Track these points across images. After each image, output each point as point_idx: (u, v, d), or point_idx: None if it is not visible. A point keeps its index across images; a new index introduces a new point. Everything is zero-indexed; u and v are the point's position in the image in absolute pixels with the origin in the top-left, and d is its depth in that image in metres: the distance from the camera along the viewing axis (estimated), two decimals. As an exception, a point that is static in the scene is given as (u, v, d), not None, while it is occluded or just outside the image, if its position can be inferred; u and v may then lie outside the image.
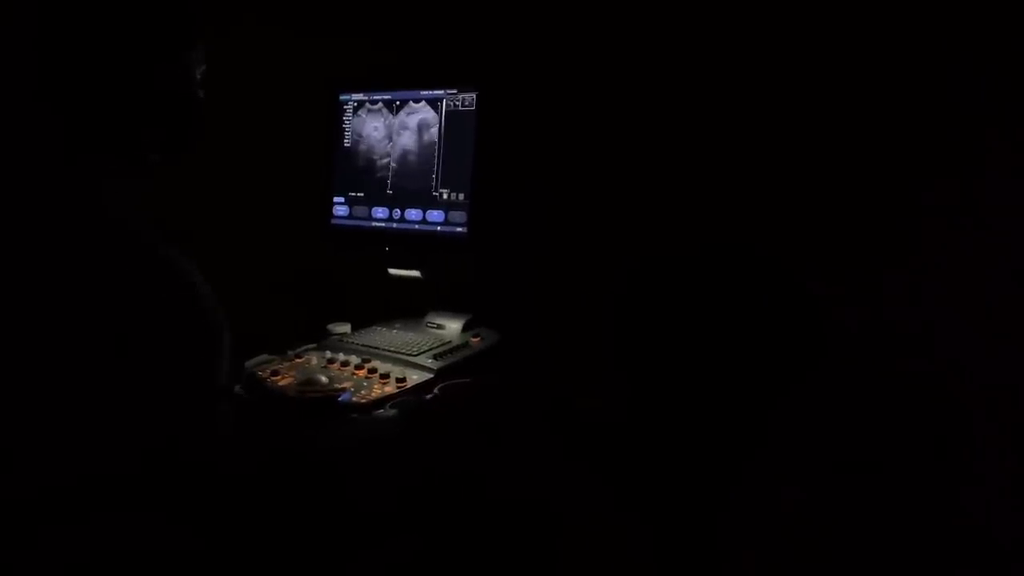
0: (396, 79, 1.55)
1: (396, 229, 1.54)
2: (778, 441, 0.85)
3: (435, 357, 1.35)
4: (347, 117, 1.61)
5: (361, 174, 1.59)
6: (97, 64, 0.97)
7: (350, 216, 1.60)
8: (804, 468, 0.82)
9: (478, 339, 1.46)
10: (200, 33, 1.05)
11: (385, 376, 1.28)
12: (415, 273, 1.54)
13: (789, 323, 0.93)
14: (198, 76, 1.07)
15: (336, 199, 1.62)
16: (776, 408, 0.86)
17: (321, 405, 1.16)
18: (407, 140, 1.53)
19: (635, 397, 0.98)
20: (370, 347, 1.41)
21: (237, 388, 1.19)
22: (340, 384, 1.26)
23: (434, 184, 1.48)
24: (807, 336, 0.92)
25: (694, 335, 0.91)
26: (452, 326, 1.51)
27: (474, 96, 1.44)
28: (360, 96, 1.60)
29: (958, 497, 0.93)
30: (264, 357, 1.38)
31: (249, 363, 1.34)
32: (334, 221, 1.62)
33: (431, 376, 1.29)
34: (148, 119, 1.03)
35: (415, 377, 1.28)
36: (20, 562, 0.77)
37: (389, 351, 1.38)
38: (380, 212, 1.56)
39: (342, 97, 1.62)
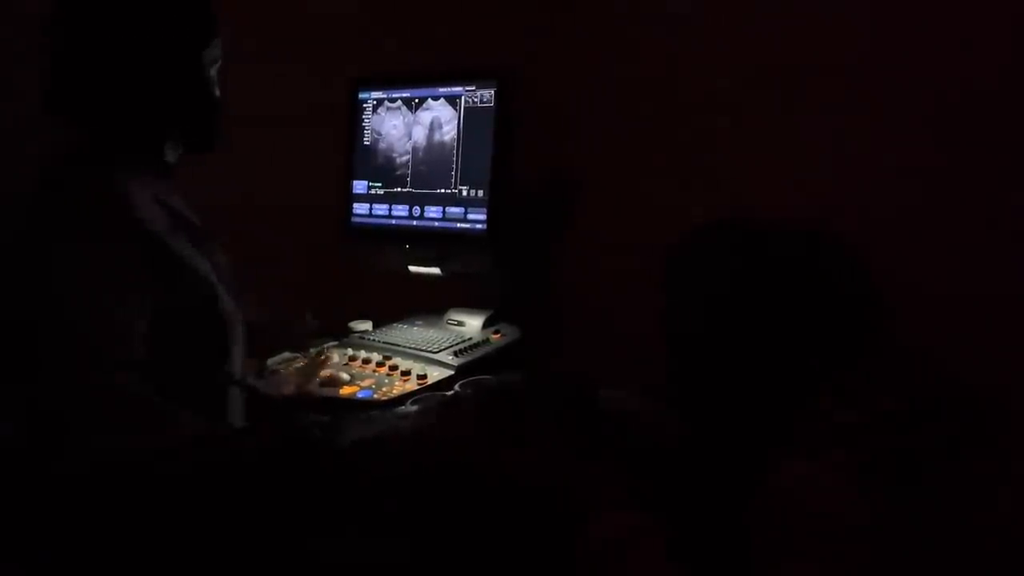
0: (414, 77, 1.56)
1: (416, 226, 1.54)
2: (817, 429, 0.83)
3: (456, 354, 1.35)
4: (366, 115, 1.61)
5: (381, 172, 1.59)
6: (111, 67, 0.98)
7: (370, 214, 1.61)
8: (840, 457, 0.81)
9: (499, 335, 1.46)
10: (215, 30, 1.06)
11: (406, 373, 1.29)
12: (435, 270, 1.54)
13: (852, 309, 0.90)
14: (213, 73, 1.07)
15: (356, 197, 1.62)
16: (821, 394, 0.84)
17: (335, 402, 1.17)
18: (426, 137, 1.53)
19: (679, 373, 0.96)
20: (391, 344, 1.42)
21: (252, 380, 1.21)
22: (362, 381, 1.26)
23: (453, 181, 1.48)
24: (866, 324, 0.90)
25: (749, 312, 0.89)
26: (473, 323, 1.51)
27: (492, 92, 1.44)
28: (379, 94, 1.60)
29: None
30: (286, 354, 1.39)
31: (271, 360, 1.35)
32: (354, 219, 1.63)
33: (452, 373, 1.29)
34: (166, 119, 1.04)
35: (436, 374, 1.28)
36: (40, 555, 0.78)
37: (410, 348, 1.39)
38: (400, 210, 1.56)
39: (361, 95, 1.62)
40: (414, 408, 1.10)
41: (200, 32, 1.04)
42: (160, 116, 1.04)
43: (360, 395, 1.22)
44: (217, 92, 1.08)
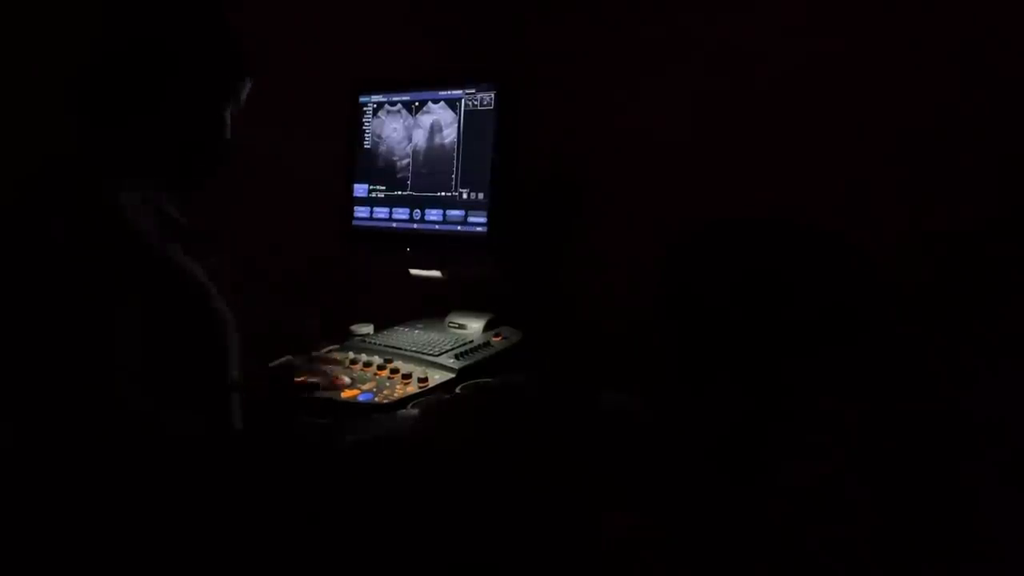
0: (414, 80, 1.56)
1: (417, 229, 1.54)
2: (810, 426, 0.83)
3: (457, 357, 1.35)
4: (367, 119, 1.62)
5: (381, 175, 1.59)
6: (136, 104, 1.00)
7: (371, 217, 1.61)
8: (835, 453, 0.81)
9: (500, 338, 1.46)
10: (244, 80, 1.07)
11: (407, 376, 1.29)
12: (436, 273, 1.54)
13: (853, 307, 0.91)
14: (229, 119, 1.09)
15: (357, 200, 1.63)
16: (823, 392, 0.84)
17: (336, 406, 1.17)
18: (426, 141, 1.53)
19: (679, 373, 0.97)
20: (392, 347, 1.42)
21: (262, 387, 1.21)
22: (363, 385, 1.26)
23: (454, 184, 1.49)
24: (867, 322, 0.90)
25: (745, 308, 0.90)
26: (474, 325, 1.51)
27: (492, 95, 1.44)
28: (379, 98, 1.60)
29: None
30: (288, 358, 1.39)
31: (273, 364, 1.35)
32: (355, 222, 1.63)
33: (453, 376, 1.29)
34: (173, 154, 1.05)
35: (437, 377, 1.28)
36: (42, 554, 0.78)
37: (411, 351, 1.39)
38: (401, 213, 1.56)
39: (362, 99, 1.63)
40: (415, 411, 1.10)
41: (227, 85, 1.06)
42: (168, 149, 1.05)
43: (361, 398, 1.22)
44: (228, 135, 1.09)
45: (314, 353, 1.41)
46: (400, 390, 1.24)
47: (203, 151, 1.07)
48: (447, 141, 1.50)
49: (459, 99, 1.48)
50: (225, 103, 1.07)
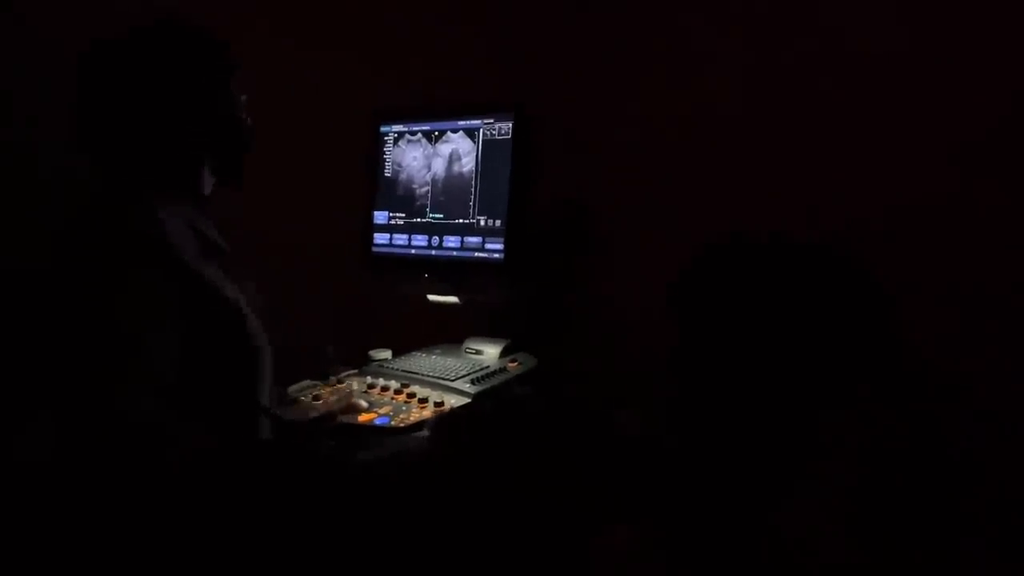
0: (434, 110, 1.59)
1: (435, 256, 1.56)
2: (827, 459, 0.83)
3: (473, 382, 1.36)
4: (387, 148, 1.65)
5: (401, 203, 1.62)
6: (136, 109, 1.04)
7: (391, 244, 1.63)
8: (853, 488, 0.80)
9: (516, 364, 1.47)
10: (233, 63, 1.12)
11: (423, 401, 1.30)
12: (454, 299, 1.56)
13: (858, 330, 0.91)
14: (241, 109, 1.13)
15: (377, 227, 1.65)
16: (833, 420, 0.84)
17: (353, 429, 1.19)
18: (445, 169, 1.56)
19: (689, 393, 0.97)
20: (409, 372, 1.43)
21: (277, 411, 1.23)
22: (380, 409, 1.28)
23: (472, 211, 1.51)
24: (876, 345, 0.90)
25: (756, 334, 0.90)
26: (490, 351, 1.52)
27: (510, 125, 1.47)
28: (400, 127, 1.64)
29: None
30: (307, 382, 1.41)
31: (292, 388, 1.37)
32: (375, 249, 1.65)
33: (468, 401, 1.30)
34: (197, 152, 1.09)
35: (453, 401, 1.29)
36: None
37: (428, 376, 1.40)
38: (420, 240, 1.59)
39: (383, 128, 1.66)
40: (426, 433, 1.12)
41: (216, 71, 1.10)
42: (191, 149, 1.09)
43: (378, 422, 1.23)
44: (246, 125, 1.14)
45: (332, 377, 1.43)
46: (416, 414, 1.25)
47: (224, 145, 1.13)
48: (465, 169, 1.53)
49: (477, 128, 1.51)
50: (227, 98, 1.13)
